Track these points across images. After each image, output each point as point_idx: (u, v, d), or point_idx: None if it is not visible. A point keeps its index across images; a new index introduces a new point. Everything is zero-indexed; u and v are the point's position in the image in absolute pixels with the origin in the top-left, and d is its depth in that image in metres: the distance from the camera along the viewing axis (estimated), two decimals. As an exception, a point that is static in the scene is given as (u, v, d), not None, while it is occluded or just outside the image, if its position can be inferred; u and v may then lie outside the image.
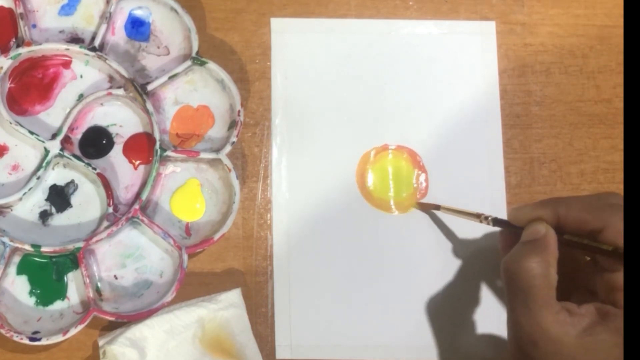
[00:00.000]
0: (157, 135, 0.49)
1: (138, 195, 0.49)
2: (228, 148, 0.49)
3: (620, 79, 0.54)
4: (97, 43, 0.50)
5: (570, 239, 0.42)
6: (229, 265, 0.50)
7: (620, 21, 0.55)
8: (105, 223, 0.48)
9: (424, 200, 0.51)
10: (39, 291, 0.48)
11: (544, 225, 0.43)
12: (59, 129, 0.49)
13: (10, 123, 0.49)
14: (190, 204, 0.50)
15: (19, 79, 0.50)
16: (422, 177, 0.52)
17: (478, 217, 0.47)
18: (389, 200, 0.51)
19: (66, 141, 0.50)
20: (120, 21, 0.52)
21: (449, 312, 0.50)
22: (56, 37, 0.51)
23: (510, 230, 0.45)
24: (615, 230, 0.40)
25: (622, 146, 0.53)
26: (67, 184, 0.50)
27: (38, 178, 0.48)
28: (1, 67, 0.49)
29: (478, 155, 0.52)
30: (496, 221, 0.46)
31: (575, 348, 0.40)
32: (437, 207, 0.50)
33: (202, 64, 0.50)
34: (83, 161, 0.49)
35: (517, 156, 0.53)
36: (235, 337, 0.47)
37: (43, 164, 0.48)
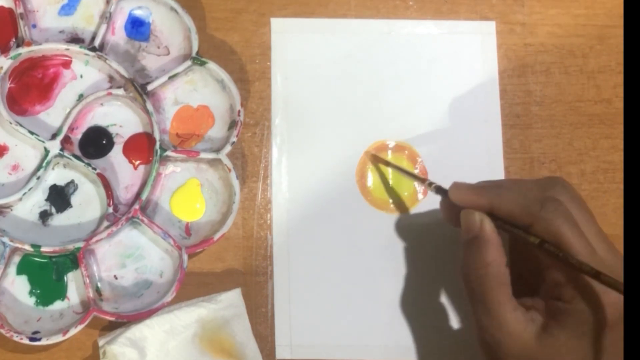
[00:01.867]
0: (157, 135, 0.49)
1: (138, 195, 0.49)
2: (228, 148, 0.49)
3: (620, 79, 0.54)
4: (97, 43, 0.50)
5: (502, 226, 0.42)
6: (229, 265, 0.50)
7: (620, 21, 0.55)
8: (105, 223, 0.48)
9: (424, 200, 0.51)
10: (39, 291, 0.48)
11: (478, 215, 0.42)
12: (59, 129, 0.49)
13: (10, 123, 0.49)
14: (190, 204, 0.50)
15: (19, 79, 0.50)
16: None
17: (423, 181, 0.49)
18: (389, 200, 0.51)
19: (66, 141, 0.50)
20: (120, 21, 0.52)
21: (449, 312, 0.50)
22: (56, 37, 0.51)
23: (452, 203, 0.45)
24: (542, 226, 0.40)
25: (622, 146, 0.53)
26: (67, 184, 0.50)
27: (38, 178, 0.48)
28: (1, 67, 0.49)
29: (478, 155, 0.52)
30: (439, 190, 0.47)
31: (535, 346, 0.40)
32: (387, 164, 0.51)
33: (202, 64, 0.50)
34: (83, 161, 0.49)
35: (517, 156, 0.53)
36: (235, 337, 0.47)
37: (43, 164, 0.49)
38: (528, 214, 0.41)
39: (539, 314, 0.41)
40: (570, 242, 0.39)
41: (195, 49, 0.50)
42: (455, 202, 0.44)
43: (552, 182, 0.43)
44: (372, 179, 0.52)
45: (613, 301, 0.39)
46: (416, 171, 0.52)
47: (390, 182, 0.52)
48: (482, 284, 0.41)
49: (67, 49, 0.50)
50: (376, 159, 0.51)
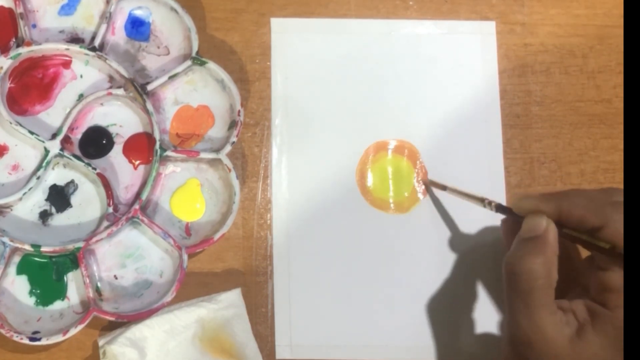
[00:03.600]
0: (157, 135, 0.49)
1: (138, 195, 0.49)
2: (228, 148, 0.49)
3: (620, 79, 0.54)
4: (97, 43, 0.50)
5: (569, 233, 0.42)
6: (229, 265, 0.50)
7: (620, 21, 0.55)
8: (105, 223, 0.48)
9: (423, 201, 0.51)
10: (39, 291, 0.48)
11: (544, 219, 0.42)
12: (59, 129, 0.49)
13: (10, 123, 0.49)
14: (190, 204, 0.50)
15: (19, 79, 0.50)
16: (422, 177, 0.52)
17: (482, 201, 0.47)
18: (389, 200, 0.51)
19: (66, 141, 0.50)
20: (120, 21, 0.52)
21: (448, 312, 0.50)
22: (56, 37, 0.51)
23: (513, 219, 0.45)
24: (614, 229, 0.40)
25: (622, 146, 0.53)
26: (67, 184, 0.50)
27: (38, 178, 0.48)
28: (1, 67, 0.49)
29: (478, 155, 0.52)
30: (499, 207, 0.46)
31: (567, 350, 0.40)
32: (444, 188, 0.50)
33: (202, 64, 0.50)
34: (83, 161, 0.49)
35: (517, 156, 0.53)
36: (235, 337, 0.47)
37: (43, 164, 0.49)
38: (600, 215, 0.41)
39: (574, 317, 0.41)
40: None
41: (195, 49, 0.50)
42: (521, 214, 0.44)
43: (613, 189, 0.43)
44: (372, 179, 0.52)
45: None
46: (416, 171, 0.52)
47: (391, 182, 0.52)
48: (530, 281, 0.41)
49: (67, 49, 0.50)
50: (432, 184, 0.51)
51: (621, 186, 0.52)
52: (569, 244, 0.45)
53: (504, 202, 0.51)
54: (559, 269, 0.42)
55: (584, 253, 0.46)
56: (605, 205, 0.41)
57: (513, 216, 0.45)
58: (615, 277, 0.40)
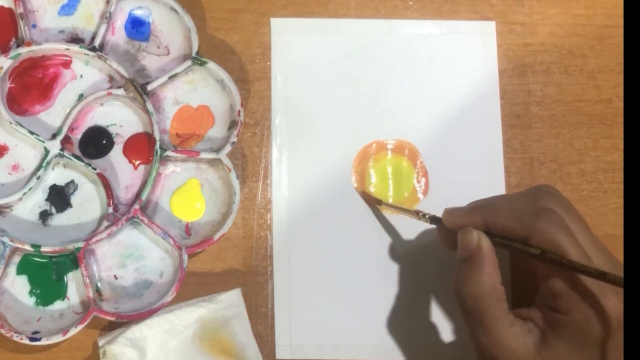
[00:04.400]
0: (157, 135, 0.49)
1: (138, 195, 0.49)
2: (228, 148, 0.49)
3: (620, 79, 0.54)
4: (97, 43, 0.50)
5: (500, 241, 0.42)
6: (229, 265, 0.50)
7: (620, 21, 0.55)
8: (105, 223, 0.48)
9: (424, 201, 0.51)
10: (39, 291, 0.48)
11: (475, 233, 0.42)
12: (59, 129, 0.49)
13: (10, 123, 0.49)
14: (190, 204, 0.50)
15: (19, 79, 0.50)
16: (422, 177, 0.52)
17: (417, 214, 0.47)
18: (389, 200, 0.51)
19: (66, 141, 0.50)
20: (120, 21, 0.52)
21: (448, 312, 0.50)
22: (56, 37, 0.51)
23: (447, 229, 0.45)
24: (541, 237, 0.40)
25: (622, 146, 0.53)
26: (67, 184, 0.50)
27: (38, 178, 0.48)
28: (1, 67, 0.49)
29: (478, 155, 0.52)
30: (433, 219, 0.46)
31: (535, 358, 0.40)
32: (379, 202, 0.50)
33: (202, 64, 0.50)
34: (83, 161, 0.49)
35: (517, 156, 0.53)
36: (235, 337, 0.47)
37: (43, 164, 0.49)
38: (524, 226, 0.41)
39: (535, 325, 0.41)
40: (567, 250, 0.39)
41: (195, 49, 0.50)
42: (450, 227, 0.44)
43: (541, 192, 0.43)
44: (372, 179, 0.52)
45: (613, 308, 0.39)
46: (416, 171, 0.52)
47: (391, 182, 0.52)
48: (478, 302, 0.41)
49: (67, 49, 0.50)
50: (368, 199, 0.51)
51: (621, 186, 0.52)
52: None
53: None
54: (516, 276, 0.42)
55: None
56: (529, 215, 0.41)
57: (445, 228, 0.45)
58: (560, 282, 0.40)
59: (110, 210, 0.48)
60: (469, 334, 0.42)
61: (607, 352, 0.39)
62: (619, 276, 0.37)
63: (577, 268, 0.38)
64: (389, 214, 0.51)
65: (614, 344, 0.39)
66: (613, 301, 0.38)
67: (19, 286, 0.48)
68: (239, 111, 0.50)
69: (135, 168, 0.50)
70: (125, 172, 0.50)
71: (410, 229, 0.51)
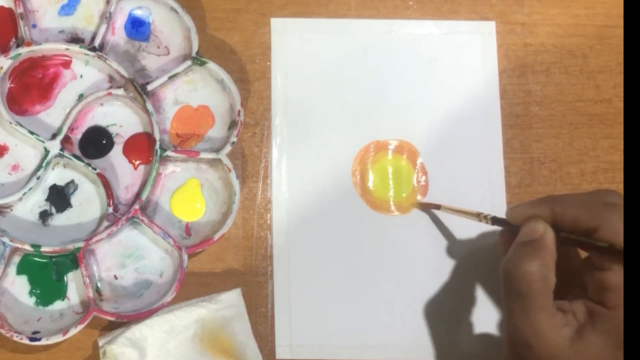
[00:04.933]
0: (157, 135, 0.49)
1: (138, 195, 0.49)
2: (228, 148, 0.49)
3: (620, 79, 0.54)
4: (97, 43, 0.50)
5: (566, 236, 0.42)
6: (229, 265, 0.50)
7: (620, 21, 0.55)
8: (105, 223, 0.48)
9: (424, 200, 0.51)
10: (39, 291, 0.48)
11: (542, 223, 0.42)
12: (59, 129, 0.49)
13: (10, 123, 0.49)
14: (190, 204, 0.50)
15: (19, 79, 0.50)
16: (422, 177, 0.52)
17: (477, 216, 0.47)
18: (389, 201, 0.51)
19: (66, 141, 0.50)
20: (120, 21, 0.52)
21: (448, 312, 0.50)
22: (56, 37, 0.51)
23: (510, 229, 0.45)
24: (610, 229, 0.40)
25: (622, 146, 0.53)
26: (67, 184, 0.50)
27: (38, 178, 0.48)
28: (1, 67, 0.49)
29: (478, 155, 0.52)
30: (495, 220, 0.46)
31: (567, 351, 0.40)
32: (438, 207, 0.50)
33: (202, 64, 0.50)
34: (83, 161, 0.49)
35: (517, 156, 0.53)
36: (235, 337, 0.47)
37: (43, 164, 0.48)
38: (593, 216, 0.41)
39: (575, 317, 0.41)
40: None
41: (195, 49, 0.50)
42: (516, 223, 0.44)
43: (604, 190, 0.43)
44: (372, 179, 0.52)
45: None
46: (416, 171, 0.52)
47: (391, 182, 0.52)
48: (528, 283, 0.41)
49: (67, 49, 0.50)
50: (425, 206, 0.51)
51: (621, 186, 0.52)
52: (568, 247, 0.45)
53: (504, 204, 0.51)
54: (558, 272, 0.42)
55: (583, 255, 0.46)
56: (598, 206, 0.41)
57: (509, 226, 0.45)
58: (614, 276, 0.40)
59: (110, 210, 0.48)
60: (506, 314, 0.42)
61: None
62: None
63: None
64: (391, 215, 0.51)
65: None
66: None
67: (19, 286, 0.48)
68: (239, 111, 0.50)
69: (135, 168, 0.50)
70: (125, 172, 0.50)
71: (410, 228, 0.51)
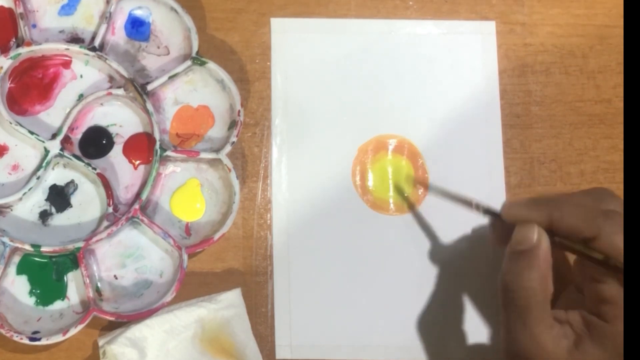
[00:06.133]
0: (157, 135, 0.49)
1: (138, 195, 0.49)
2: (228, 148, 0.49)
3: (620, 79, 0.54)
4: (97, 43, 0.50)
5: (562, 242, 0.41)
6: (229, 265, 0.50)
7: (620, 21, 0.55)
8: (105, 223, 0.48)
9: (424, 201, 0.51)
10: (39, 291, 0.48)
11: (536, 231, 0.41)
12: (59, 129, 0.49)
13: (10, 123, 0.49)
14: (190, 204, 0.50)
15: (19, 79, 0.50)
16: (422, 176, 0.52)
17: (470, 203, 0.47)
18: (389, 201, 0.51)
19: (66, 141, 0.50)
20: (120, 21, 0.52)
21: (448, 312, 0.50)
22: (56, 37, 0.51)
23: (502, 224, 0.44)
24: (607, 240, 0.39)
25: (622, 146, 0.53)
26: (67, 184, 0.50)
27: (38, 178, 0.48)
28: (1, 67, 0.49)
29: (478, 155, 0.52)
30: (488, 211, 0.46)
31: None
32: (428, 187, 0.50)
33: (202, 64, 0.50)
34: (83, 161, 0.49)
35: (517, 156, 0.53)
36: (235, 337, 0.47)
37: (43, 164, 0.49)
38: (591, 227, 0.40)
39: (572, 328, 0.40)
40: None
41: (195, 49, 0.50)
42: (510, 222, 0.43)
43: (602, 193, 0.43)
44: (372, 179, 0.52)
45: None
46: (416, 171, 0.52)
47: (391, 182, 0.52)
48: (527, 297, 0.40)
49: (67, 49, 0.50)
50: (417, 181, 0.51)
51: (621, 186, 0.52)
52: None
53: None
54: (553, 275, 0.42)
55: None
56: (597, 215, 0.40)
57: (502, 221, 0.44)
58: (611, 288, 0.40)
59: (110, 210, 0.48)
60: (504, 325, 0.42)
61: None
62: None
63: None
64: (391, 216, 0.51)
65: None
66: None
67: (19, 286, 0.48)
68: (239, 111, 0.50)
69: (135, 168, 0.50)
70: (125, 172, 0.50)
71: (410, 229, 0.51)
